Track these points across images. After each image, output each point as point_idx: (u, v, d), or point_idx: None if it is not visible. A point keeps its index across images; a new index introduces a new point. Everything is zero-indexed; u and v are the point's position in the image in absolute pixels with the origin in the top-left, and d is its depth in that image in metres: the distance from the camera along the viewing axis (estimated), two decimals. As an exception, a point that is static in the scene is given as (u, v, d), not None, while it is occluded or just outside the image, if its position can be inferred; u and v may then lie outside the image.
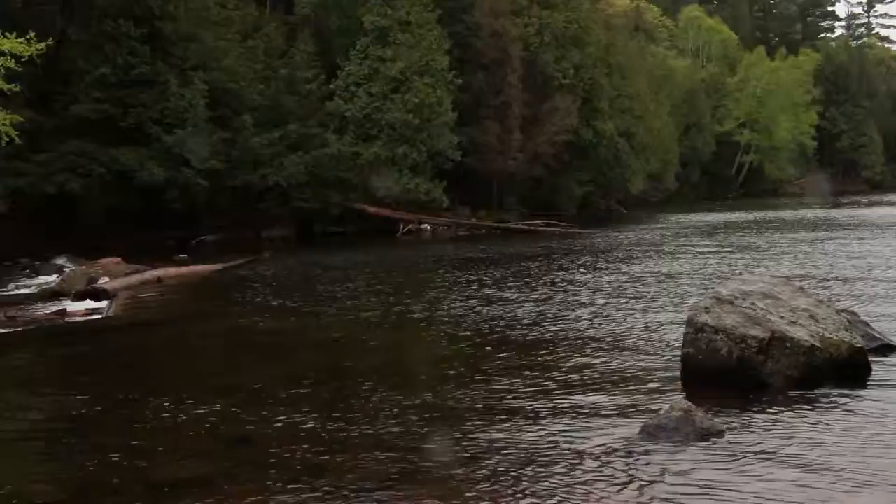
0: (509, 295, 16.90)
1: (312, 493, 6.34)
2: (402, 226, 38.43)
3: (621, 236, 33.75)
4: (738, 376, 8.71)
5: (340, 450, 7.31)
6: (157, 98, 32.14)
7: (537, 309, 14.84)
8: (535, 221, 40.82)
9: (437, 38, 40.40)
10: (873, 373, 9.08)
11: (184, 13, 33.94)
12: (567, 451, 7.01)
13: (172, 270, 22.74)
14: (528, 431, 7.60)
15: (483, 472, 6.62)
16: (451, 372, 10.31)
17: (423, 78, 39.24)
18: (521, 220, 41.86)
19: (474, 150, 41.96)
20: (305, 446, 7.42)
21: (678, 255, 24.78)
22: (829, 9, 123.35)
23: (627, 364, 10.15)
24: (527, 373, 9.93)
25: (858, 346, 9.17)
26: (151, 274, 21.55)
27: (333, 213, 37.69)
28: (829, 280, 17.77)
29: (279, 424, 8.14)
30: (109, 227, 29.68)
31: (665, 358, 10.26)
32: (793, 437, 7.18)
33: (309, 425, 8.07)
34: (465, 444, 7.32)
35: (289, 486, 6.48)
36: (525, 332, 12.70)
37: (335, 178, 36.87)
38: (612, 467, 6.60)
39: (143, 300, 18.56)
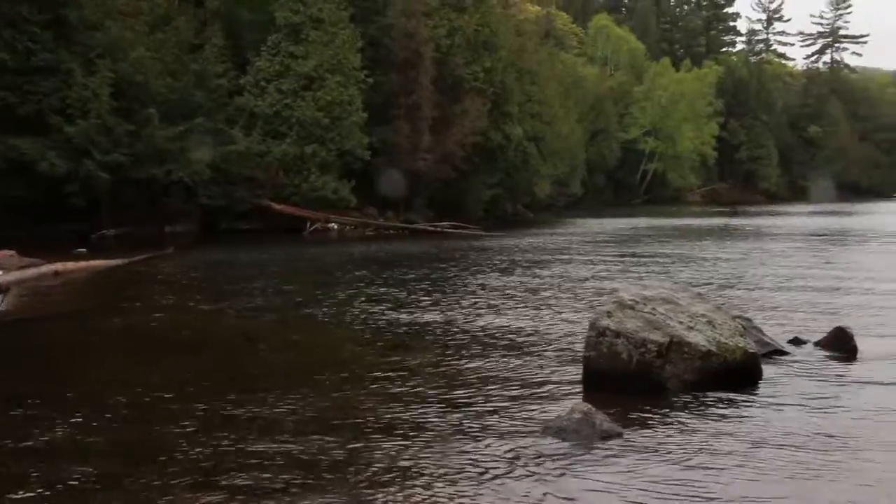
0: (415, 297, 16.94)
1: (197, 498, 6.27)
2: (309, 224, 38.13)
3: (528, 240, 34.13)
4: (637, 379, 8.93)
5: (228, 454, 7.15)
6: (59, 87, 31.22)
7: (442, 312, 14.92)
8: (442, 223, 40.96)
9: (349, 36, 40.21)
10: (764, 377, 9.41)
11: (90, 1, 33.05)
12: (468, 453, 7.08)
13: (71, 265, 22.09)
14: (430, 433, 7.65)
15: (383, 476, 6.62)
16: (354, 374, 10.28)
17: (335, 76, 39.01)
18: (429, 222, 41.96)
19: (384, 150, 41.92)
20: (196, 450, 7.24)
21: (583, 260, 25.19)
22: (731, 24, 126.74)
23: (530, 367, 10.30)
24: (429, 375, 9.99)
25: (752, 351, 9.50)
26: (48, 268, 20.90)
27: (240, 209, 37.19)
28: (726, 286, 18.31)
29: (170, 426, 7.97)
30: (5, 219, 28.70)
31: (568, 361, 10.44)
32: (688, 439, 7.40)
33: (198, 427, 7.91)
34: (363, 447, 7.31)
35: (171, 491, 6.37)
36: (429, 334, 12.75)
37: (242, 174, 36.38)
38: (513, 468, 6.70)
39: (38, 294, 18.02)
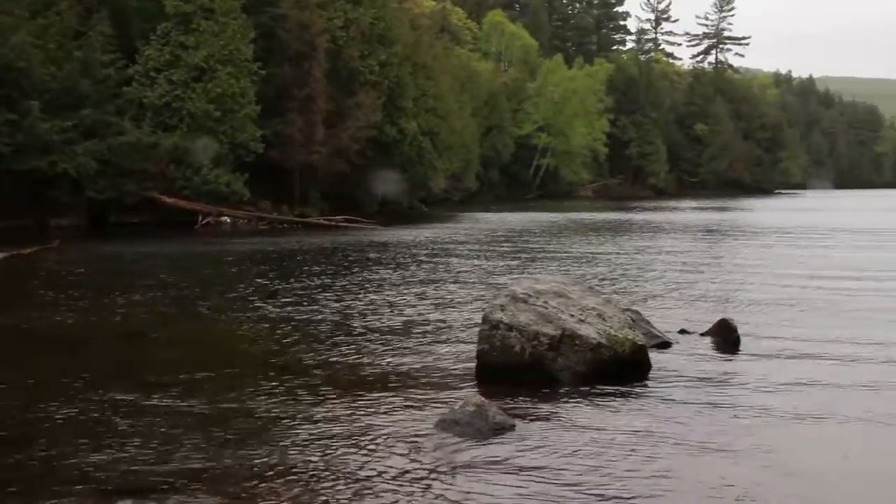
0: (309, 292, 16.80)
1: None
2: (200, 218, 37.41)
3: (423, 235, 34.21)
4: (530, 372, 9.05)
5: (110, 453, 6.96)
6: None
7: (336, 307, 14.83)
8: (337, 217, 40.72)
9: (241, 27, 39.57)
10: (653, 368, 9.64)
11: (-35, -18, 31.73)
12: (362, 446, 7.06)
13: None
14: (324, 427, 7.59)
15: (269, 473, 6.53)
16: (244, 370, 10.14)
17: (227, 67, 38.35)
18: (323, 216, 41.66)
19: (277, 143, 41.42)
20: (78, 451, 7.02)
21: (478, 255, 25.39)
22: (622, 23, 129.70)
23: (425, 361, 10.32)
24: (322, 371, 9.92)
25: (640, 343, 9.72)
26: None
27: (129, 202, 36.25)
28: (616, 280, 18.70)
29: (45, 424, 7.73)
30: None
31: (462, 354, 10.50)
32: (579, 430, 7.53)
33: (78, 425, 7.71)
34: (251, 443, 7.20)
35: (42, 490, 6.18)
36: (324, 330, 12.66)
37: (132, 166, 35.42)
38: (407, 461, 6.71)
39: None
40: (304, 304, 15.05)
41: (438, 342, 11.47)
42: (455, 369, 9.83)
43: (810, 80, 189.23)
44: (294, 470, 6.54)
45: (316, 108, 42.87)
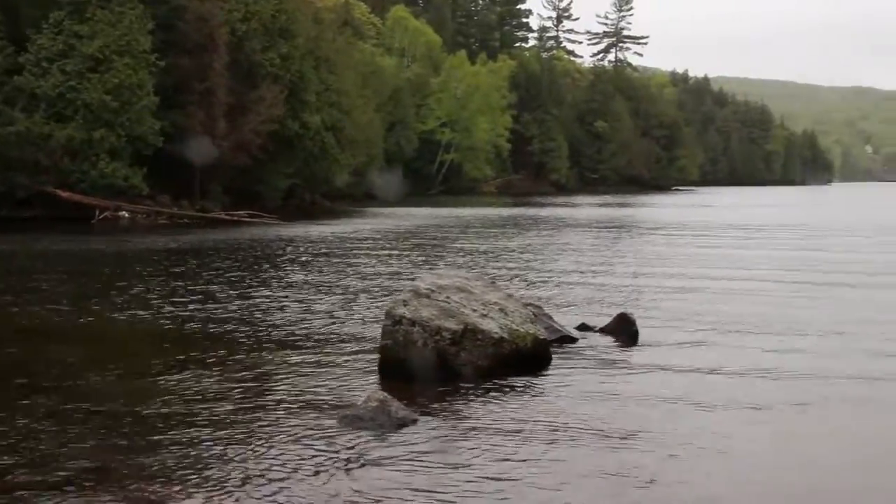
0: (211, 288, 16.54)
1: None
2: (98, 213, 36.40)
3: (327, 230, 34.00)
4: (432, 367, 9.09)
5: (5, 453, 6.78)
6: None
7: (239, 303, 14.65)
8: (239, 212, 40.14)
9: (138, 17, 38.58)
10: (554, 362, 9.80)
11: None
12: (263, 444, 6.99)
13: None
14: (224, 426, 7.50)
15: (166, 474, 6.42)
16: (141, 369, 9.94)
17: (124, 58, 37.36)
18: (225, 210, 41.01)
19: (177, 136, 40.59)
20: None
21: (382, 251, 25.37)
22: (524, 20, 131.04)
23: (328, 357, 10.28)
24: (224, 369, 9.79)
25: (542, 337, 9.87)
26: None
27: (21, 196, 35.02)
28: (519, 275, 18.92)
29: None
30: None
31: (366, 350, 10.49)
32: (481, 423, 7.61)
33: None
34: (147, 444, 7.07)
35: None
36: (226, 327, 12.49)
37: (23, 158, 34.22)
38: (309, 457, 6.67)
39: None
40: (206, 300, 14.82)
41: (342, 338, 11.43)
42: (358, 365, 9.82)
43: (705, 79, 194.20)
44: (193, 470, 6.44)
45: (217, 100, 42.14)
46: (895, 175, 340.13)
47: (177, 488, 6.07)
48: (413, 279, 10.86)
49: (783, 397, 8.59)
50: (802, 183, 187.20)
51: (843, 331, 12.29)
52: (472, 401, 8.38)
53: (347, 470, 6.43)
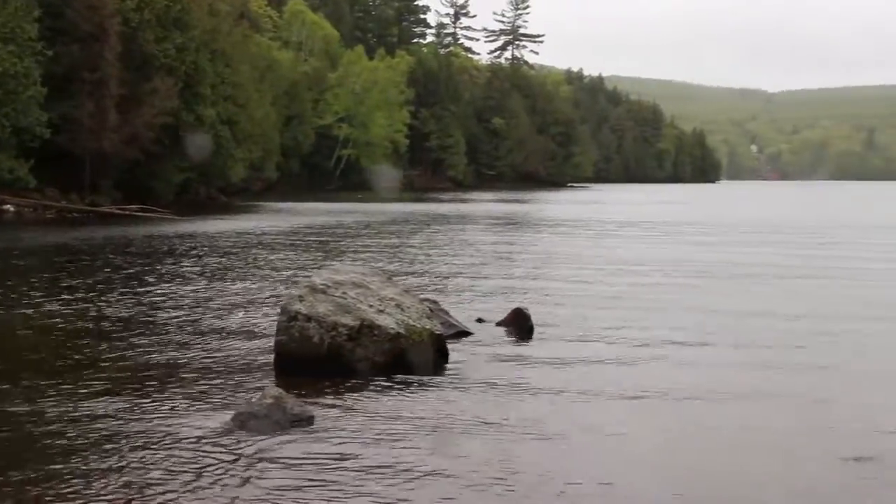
0: (102, 286, 16.14)
1: None
2: (-21, 206, 35.12)
3: (223, 225, 33.48)
4: (329, 363, 9.06)
5: None
6: None
7: (132, 300, 14.32)
8: (131, 206, 39.17)
9: (23, 3, 37.29)
10: (450, 357, 9.86)
11: None
12: (155, 443, 6.86)
13: None
14: (115, 426, 7.33)
15: (62, 473, 6.25)
16: (34, 368, 9.64)
17: (7, 46, 36.06)
18: (116, 205, 39.97)
19: (66, 128, 39.37)
20: None
21: (280, 246, 25.11)
22: (422, 16, 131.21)
23: (222, 354, 10.14)
24: (118, 367, 9.57)
25: (438, 332, 9.92)
26: None
27: None
28: (416, 270, 18.98)
29: None
30: None
31: (262, 347, 10.38)
32: (377, 419, 7.62)
33: None
34: (34, 447, 6.86)
35: None
36: (119, 325, 12.20)
37: None
38: (202, 456, 6.57)
39: None
40: (96, 298, 14.42)
41: (237, 336, 11.28)
42: (254, 362, 9.71)
43: (599, 78, 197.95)
44: (84, 471, 6.27)
45: (108, 92, 41.04)
46: (778, 174, 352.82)
47: (62, 491, 5.91)
48: (310, 275, 10.80)
49: (670, 386, 8.85)
50: (692, 181, 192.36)
51: (727, 324, 12.71)
52: (368, 396, 8.38)
53: (241, 469, 6.36)
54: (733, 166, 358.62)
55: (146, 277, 17.22)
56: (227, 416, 7.51)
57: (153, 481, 6.09)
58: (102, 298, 14.28)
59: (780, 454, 6.95)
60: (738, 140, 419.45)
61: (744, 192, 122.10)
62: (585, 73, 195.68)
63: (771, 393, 8.85)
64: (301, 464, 6.47)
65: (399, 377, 9.00)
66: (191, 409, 7.83)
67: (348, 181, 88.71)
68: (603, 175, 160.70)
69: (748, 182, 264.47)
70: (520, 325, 11.69)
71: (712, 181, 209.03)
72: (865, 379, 9.61)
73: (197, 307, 13.52)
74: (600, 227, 35.97)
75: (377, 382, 8.84)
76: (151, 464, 6.42)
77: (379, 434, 7.18)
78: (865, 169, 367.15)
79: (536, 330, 11.56)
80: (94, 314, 12.83)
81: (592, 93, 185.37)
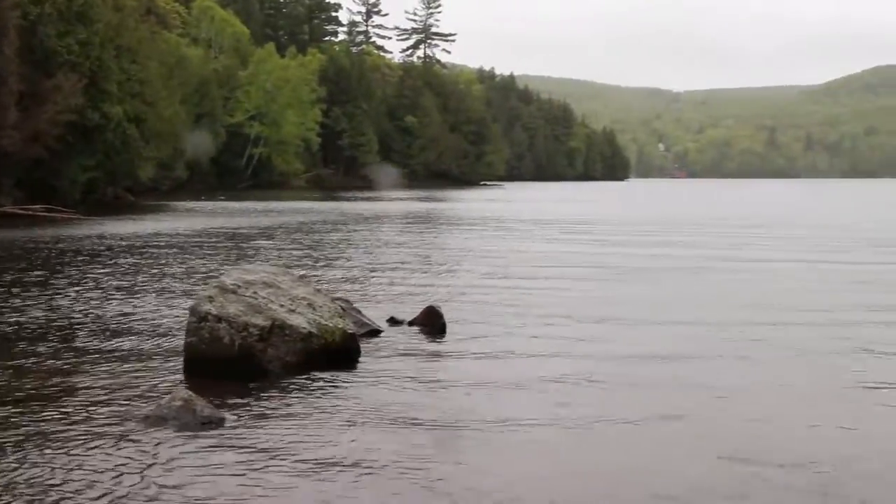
0: (6, 289, 15.65)
1: None
2: None
3: (132, 226, 32.79)
4: (240, 364, 8.97)
5: None
6: None
7: (38, 304, 13.94)
8: (35, 206, 38.03)
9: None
10: (363, 356, 9.86)
11: None
12: (61, 449, 6.70)
13: None
14: (19, 431, 7.14)
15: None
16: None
17: None
18: (19, 205, 38.76)
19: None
20: None
21: (188, 246, 24.70)
22: (334, 14, 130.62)
23: (131, 358, 9.93)
24: (21, 372, 9.31)
25: (350, 332, 9.91)
26: None
27: None
28: (329, 269, 18.89)
29: None
30: None
31: (170, 348, 10.22)
32: (289, 420, 7.57)
33: None
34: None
35: None
36: (22, 330, 11.86)
37: None
38: (109, 461, 6.45)
39: None
40: (4, 303, 14.01)
41: (146, 338, 11.07)
42: (163, 365, 9.55)
43: (511, 77, 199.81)
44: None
45: (7, 88, 39.74)
46: (685, 172, 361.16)
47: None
48: (221, 273, 10.67)
49: (579, 379, 9.00)
50: (602, 179, 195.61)
51: (636, 316, 12.98)
52: (279, 397, 8.32)
53: (148, 473, 6.26)
54: (642, 164, 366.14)
55: (52, 281, 16.76)
56: (134, 419, 7.38)
57: (55, 485, 5.96)
58: (6, 303, 13.86)
59: (681, 446, 7.13)
60: (646, 139, 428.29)
61: (649, 189, 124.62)
62: (497, 72, 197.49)
63: (677, 383, 9.06)
64: (211, 466, 6.39)
65: (311, 377, 8.96)
66: (97, 414, 7.66)
67: (260, 180, 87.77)
68: (515, 173, 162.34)
69: (656, 180, 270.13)
70: (432, 324, 11.74)
71: (622, 179, 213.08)
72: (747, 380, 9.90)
73: (104, 310, 13.23)
74: (512, 226, 36.31)
75: (289, 382, 8.79)
76: (55, 469, 6.27)
77: (289, 435, 7.14)
78: (767, 167, 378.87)
79: (449, 328, 11.63)
80: (14, 314, 12.46)
81: (504, 92, 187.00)
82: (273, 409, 7.93)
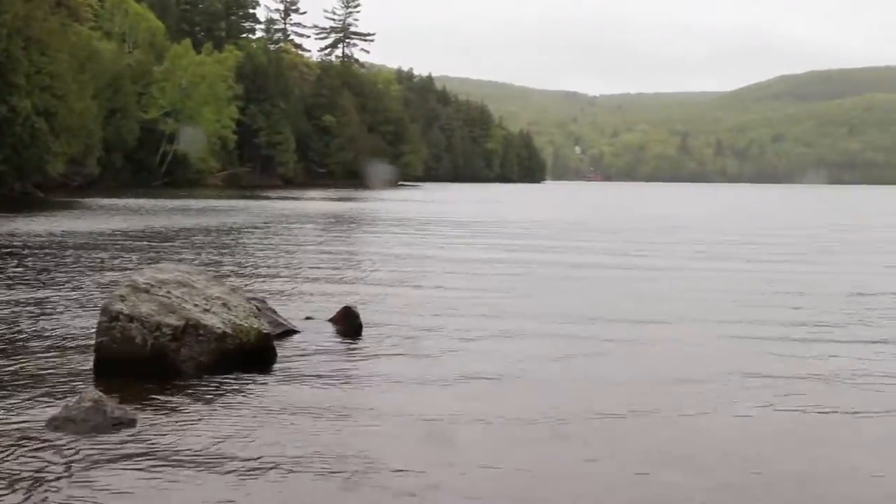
0: None
1: None
2: None
3: (42, 224, 31.90)
4: (152, 364, 8.84)
5: None
6: None
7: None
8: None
9: None
10: (278, 357, 9.81)
11: None
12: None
13: None
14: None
15: None
16: None
17: None
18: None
19: None
20: None
21: (101, 244, 24.18)
22: (251, 11, 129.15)
23: (41, 358, 9.69)
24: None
25: (266, 332, 9.84)
26: None
27: None
28: (244, 269, 18.72)
29: None
30: None
31: (81, 348, 10.01)
32: (201, 420, 7.50)
33: None
34: None
35: None
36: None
37: None
38: (13, 466, 6.30)
39: None
40: None
41: (57, 339, 10.81)
42: (73, 365, 9.35)
43: (429, 78, 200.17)
44: None
45: None
46: (601, 175, 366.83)
47: None
48: (134, 272, 10.49)
49: (495, 375, 9.14)
50: (519, 180, 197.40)
51: (548, 314, 13.19)
52: (193, 398, 8.23)
53: (56, 474, 6.14)
54: (558, 167, 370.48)
55: (-47, 277, 16.26)
56: (42, 422, 7.23)
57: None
58: None
59: (583, 441, 7.30)
60: (562, 142, 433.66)
61: (564, 192, 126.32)
62: (416, 72, 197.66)
63: (585, 378, 9.25)
64: (119, 469, 6.29)
65: (225, 377, 8.89)
66: (3, 415, 7.48)
67: (175, 177, 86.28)
68: (433, 174, 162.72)
69: (572, 182, 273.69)
70: (349, 324, 11.73)
71: (538, 181, 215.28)
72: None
73: (14, 311, 12.87)
74: (429, 227, 36.42)
75: (203, 383, 8.70)
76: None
77: (204, 434, 7.08)
78: (679, 171, 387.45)
79: (365, 328, 11.64)
80: None
81: (422, 92, 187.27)
82: (185, 409, 7.84)
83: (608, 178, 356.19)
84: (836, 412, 8.35)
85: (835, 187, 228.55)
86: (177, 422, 7.44)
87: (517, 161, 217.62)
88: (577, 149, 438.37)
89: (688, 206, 71.89)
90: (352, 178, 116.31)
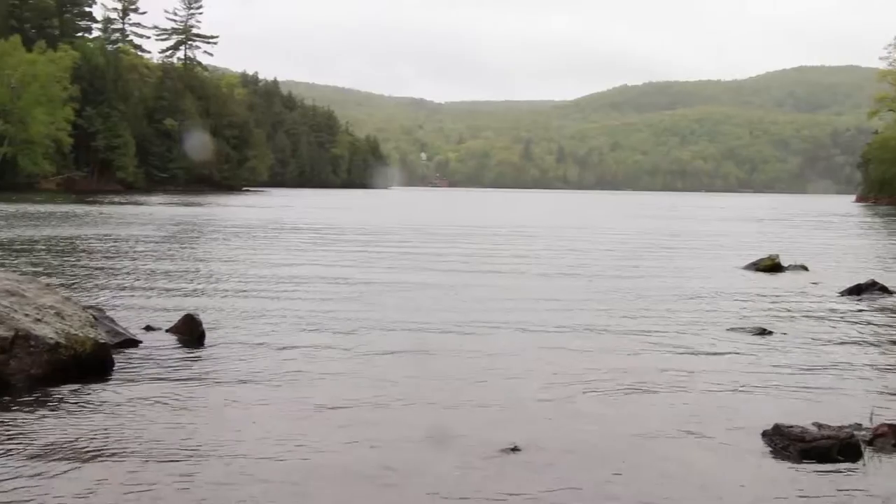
0: None
1: None
2: None
3: None
4: None
5: None
6: None
7: None
8: None
9: None
10: (116, 366, 9.51)
11: None
12: None
13: None
14: None
15: None
16: None
17: None
18: None
19: None
20: None
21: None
22: (87, 9, 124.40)
23: None
24: None
25: (102, 341, 9.52)
26: None
27: None
28: (77, 275, 18.03)
29: None
30: None
31: None
32: (32, 435, 7.18)
33: None
34: None
35: None
36: None
37: None
38: None
39: None
40: None
41: None
42: None
43: (275, 83, 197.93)
44: None
45: None
46: (447, 181, 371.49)
47: None
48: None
49: (336, 375, 9.13)
50: (365, 186, 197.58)
51: (389, 318, 13.27)
52: (23, 413, 7.86)
53: None
54: (405, 173, 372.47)
55: None
56: None
57: None
58: None
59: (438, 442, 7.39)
60: (409, 148, 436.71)
61: (408, 197, 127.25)
62: (261, 76, 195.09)
63: (435, 375, 9.36)
64: (-55, 488, 5.98)
65: (59, 389, 8.54)
66: None
67: (4, 182, 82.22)
68: (279, 179, 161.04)
69: (418, 188, 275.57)
70: (191, 332, 11.47)
71: (385, 187, 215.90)
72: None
73: None
74: (272, 234, 36.01)
75: (35, 397, 8.33)
76: None
77: (34, 450, 6.79)
78: (523, 178, 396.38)
79: (208, 336, 11.41)
80: None
81: (268, 97, 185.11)
82: (15, 425, 7.48)
83: (453, 185, 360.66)
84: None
85: (660, 194, 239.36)
86: (3, 439, 7.09)
87: (364, 167, 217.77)
88: (423, 155, 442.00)
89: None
90: (196, 184, 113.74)
